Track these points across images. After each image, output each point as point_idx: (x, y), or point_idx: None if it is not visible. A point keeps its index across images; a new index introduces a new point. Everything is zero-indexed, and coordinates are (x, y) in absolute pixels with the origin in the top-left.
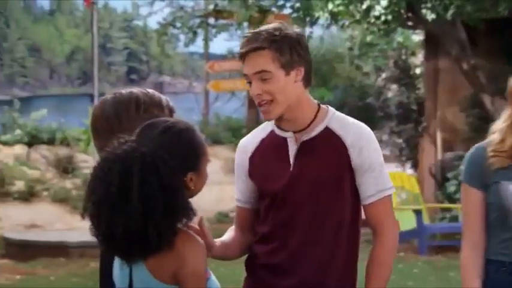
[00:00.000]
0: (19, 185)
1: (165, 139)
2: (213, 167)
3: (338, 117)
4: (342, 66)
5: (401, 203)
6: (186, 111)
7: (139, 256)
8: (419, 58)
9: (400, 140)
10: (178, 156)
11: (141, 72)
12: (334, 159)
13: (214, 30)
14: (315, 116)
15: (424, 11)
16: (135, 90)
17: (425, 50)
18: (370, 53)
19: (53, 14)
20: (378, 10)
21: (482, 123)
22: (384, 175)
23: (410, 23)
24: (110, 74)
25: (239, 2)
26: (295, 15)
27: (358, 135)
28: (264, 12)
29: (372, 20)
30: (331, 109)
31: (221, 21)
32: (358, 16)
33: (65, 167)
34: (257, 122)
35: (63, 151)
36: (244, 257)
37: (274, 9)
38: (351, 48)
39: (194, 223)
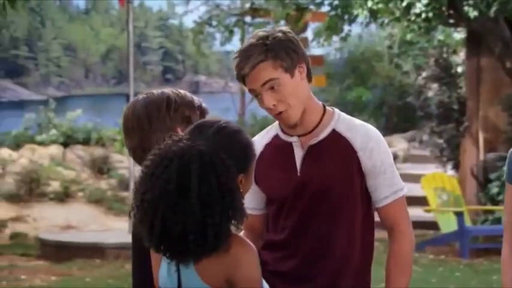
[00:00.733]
0: (54, 186)
1: (220, 139)
2: None
3: (344, 119)
4: (381, 65)
5: (442, 205)
6: (222, 111)
7: (194, 256)
8: (460, 56)
9: (441, 140)
10: (233, 156)
11: (177, 72)
12: (343, 163)
13: (250, 29)
14: (321, 119)
15: (466, 8)
16: (167, 90)
17: (467, 48)
18: (410, 52)
19: (88, 13)
20: (418, 7)
21: None
22: (395, 175)
23: (451, 21)
24: (146, 74)
25: (276, 0)
26: (333, 13)
27: (366, 137)
28: (301, 10)
29: (412, 18)
30: (337, 111)
31: (258, 20)
32: (398, 13)
33: (100, 168)
34: None
35: (98, 151)
36: None
37: (311, 7)
38: (390, 47)
39: None
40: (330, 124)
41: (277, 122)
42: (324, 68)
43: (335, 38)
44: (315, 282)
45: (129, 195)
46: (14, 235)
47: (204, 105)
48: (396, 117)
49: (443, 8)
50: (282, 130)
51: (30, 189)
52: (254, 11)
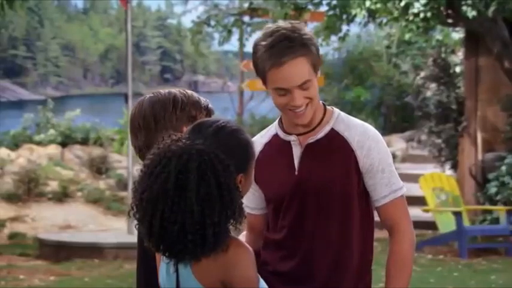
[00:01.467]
0: (53, 186)
1: (219, 138)
2: None
3: (343, 118)
4: (379, 64)
5: (440, 205)
6: (220, 110)
7: (192, 256)
8: (459, 56)
9: (439, 140)
10: (232, 156)
11: (175, 72)
12: (340, 162)
13: (249, 29)
14: (322, 118)
15: (464, 7)
16: (174, 90)
17: (465, 48)
18: (408, 51)
19: (86, 13)
20: (416, 7)
21: None
22: (394, 175)
23: (450, 21)
24: (144, 73)
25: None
26: (331, 12)
27: (364, 136)
28: (299, 9)
29: (411, 18)
30: (336, 110)
31: (256, 20)
32: (396, 13)
33: (99, 167)
34: None
35: (96, 151)
36: None
37: (310, 6)
38: (388, 47)
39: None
40: (329, 123)
41: (276, 121)
42: (322, 67)
43: (333, 38)
44: (314, 282)
45: (127, 195)
46: (12, 235)
47: (210, 105)
48: (394, 117)
49: (442, 8)
50: (282, 129)
51: (29, 189)
52: (252, 11)
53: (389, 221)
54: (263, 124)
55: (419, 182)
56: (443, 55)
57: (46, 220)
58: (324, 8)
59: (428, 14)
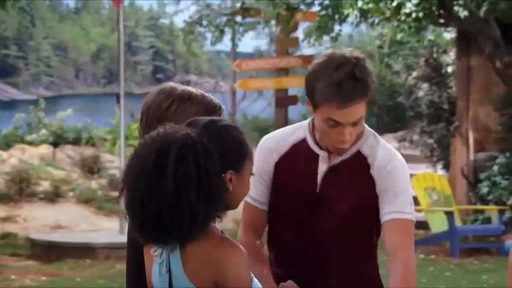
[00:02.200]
0: (45, 186)
1: (209, 129)
2: None
3: (372, 140)
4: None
5: (432, 205)
6: None
7: (172, 238)
8: (451, 56)
9: (431, 140)
10: (220, 147)
11: (167, 71)
12: (362, 186)
13: (241, 29)
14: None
15: (456, 8)
16: (189, 87)
17: (457, 48)
18: (400, 51)
19: (78, 13)
20: (408, 7)
21: None
22: (407, 202)
23: (442, 21)
24: (136, 73)
25: (266, 0)
26: (323, 12)
27: (386, 161)
28: (292, 9)
29: (403, 18)
30: (369, 131)
31: (248, 20)
32: (388, 13)
33: (91, 167)
34: (285, 122)
35: (88, 151)
36: None
37: (302, 6)
38: (380, 47)
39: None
40: (357, 144)
41: (305, 123)
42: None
43: (326, 38)
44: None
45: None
46: (4, 235)
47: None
48: (387, 117)
49: (434, 8)
50: (314, 139)
51: (20, 189)
52: (245, 11)
53: (388, 243)
54: (255, 124)
55: (411, 182)
56: (435, 55)
57: (38, 220)
58: (316, 8)
59: (420, 14)
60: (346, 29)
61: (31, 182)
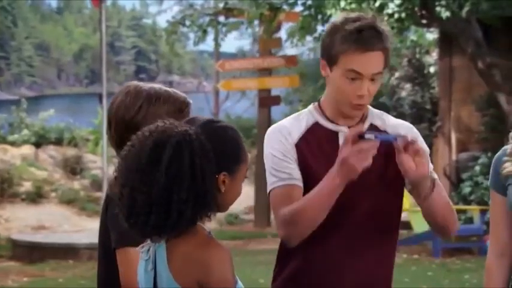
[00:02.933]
0: (27, 186)
1: (206, 129)
2: None
3: (378, 114)
4: None
5: (414, 205)
6: (196, 111)
7: (157, 232)
8: (433, 57)
9: None
10: (216, 147)
11: (150, 72)
12: (383, 160)
13: (224, 29)
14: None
15: (438, 8)
16: (155, 85)
17: (439, 49)
18: None
19: (60, 13)
20: (391, 8)
21: (497, 123)
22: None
23: (424, 21)
24: (119, 73)
25: (250, 0)
26: (306, 13)
27: (400, 123)
28: (275, 10)
29: (385, 18)
30: (369, 107)
31: (231, 20)
32: (370, 14)
33: (73, 168)
34: (269, 122)
35: (71, 151)
36: (258, 258)
37: (285, 6)
38: None
39: None
40: (368, 118)
41: (310, 110)
42: (298, 68)
43: (308, 38)
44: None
45: (102, 195)
46: None
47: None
48: None
49: (416, 9)
50: (327, 118)
51: (2, 189)
52: (228, 11)
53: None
54: (238, 124)
55: None
56: (417, 55)
57: (19, 221)
58: (299, 8)
59: (403, 15)
60: None
61: (13, 183)
